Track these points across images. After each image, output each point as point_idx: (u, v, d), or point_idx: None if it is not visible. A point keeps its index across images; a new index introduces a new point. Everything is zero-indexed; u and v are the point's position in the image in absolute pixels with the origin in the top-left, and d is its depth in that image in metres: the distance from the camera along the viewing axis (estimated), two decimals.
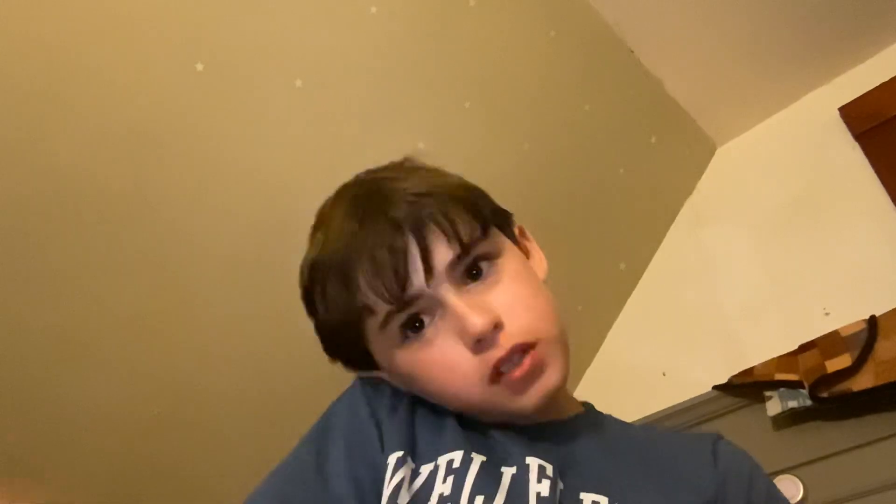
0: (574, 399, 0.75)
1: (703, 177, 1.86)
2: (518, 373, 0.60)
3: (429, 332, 0.62)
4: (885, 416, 1.31)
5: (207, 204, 1.19)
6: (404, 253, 0.60)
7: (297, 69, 1.20)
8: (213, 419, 1.27)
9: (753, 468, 0.71)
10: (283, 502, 0.58)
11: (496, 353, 0.60)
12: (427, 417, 0.65)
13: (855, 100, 1.60)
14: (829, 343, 1.36)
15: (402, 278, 0.60)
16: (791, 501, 1.36)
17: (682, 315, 1.71)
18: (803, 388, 1.34)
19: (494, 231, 0.67)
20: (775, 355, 1.43)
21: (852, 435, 1.33)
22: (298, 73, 1.21)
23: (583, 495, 0.60)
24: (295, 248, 1.10)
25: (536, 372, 0.61)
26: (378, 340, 0.65)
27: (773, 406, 1.39)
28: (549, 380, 0.62)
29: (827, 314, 1.47)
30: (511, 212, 0.73)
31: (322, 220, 0.70)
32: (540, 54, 1.48)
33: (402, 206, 0.63)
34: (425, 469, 0.59)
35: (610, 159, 1.66)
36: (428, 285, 0.61)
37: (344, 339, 0.67)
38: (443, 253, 0.61)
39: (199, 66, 1.11)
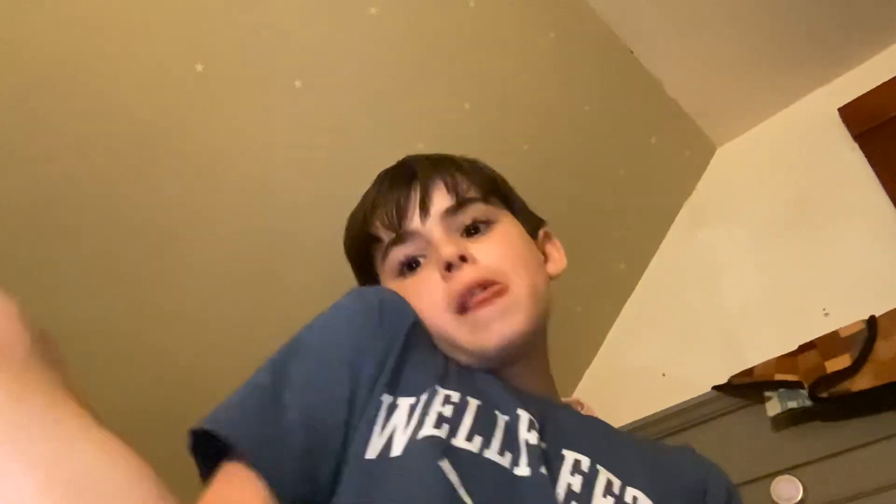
0: (559, 395, 0.79)
1: (703, 177, 1.86)
2: (483, 304, 0.66)
3: (421, 271, 0.71)
4: (884, 416, 1.31)
5: (207, 204, 1.19)
6: (408, 196, 0.73)
7: (297, 69, 1.21)
8: None
9: (730, 483, 0.74)
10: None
11: (463, 278, 0.66)
12: (422, 355, 0.67)
13: (854, 100, 1.60)
14: (828, 343, 1.37)
15: (402, 213, 0.72)
16: (791, 502, 1.37)
17: (682, 315, 1.71)
18: (803, 388, 1.35)
19: (496, 202, 0.76)
20: (775, 356, 1.44)
21: (852, 435, 1.34)
22: (298, 73, 1.21)
23: (565, 451, 0.63)
24: (295, 248, 1.10)
25: (499, 310, 0.67)
26: (383, 271, 0.74)
27: (773, 406, 1.40)
28: (512, 324, 0.67)
29: (826, 314, 1.47)
30: (541, 218, 0.84)
31: None
32: (540, 55, 1.48)
33: (421, 164, 0.76)
34: (422, 397, 0.60)
35: (610, 160, 1.66)
36: (422, 223, 0.71)
37: (362, 269, 0.77)
38: (440, 201, 0.72)
39: (199, 67, 1.11)
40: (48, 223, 1.08)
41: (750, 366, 1.46)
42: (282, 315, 1.31)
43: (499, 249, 0.70)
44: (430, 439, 0.56)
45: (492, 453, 0.58)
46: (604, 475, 0.62)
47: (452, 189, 0.73)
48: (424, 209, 0.71)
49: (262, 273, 1.27)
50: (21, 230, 1.06)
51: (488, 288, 0.67)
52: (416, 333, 0.67)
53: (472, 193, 0.74)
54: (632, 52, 1.63)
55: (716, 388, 1.50)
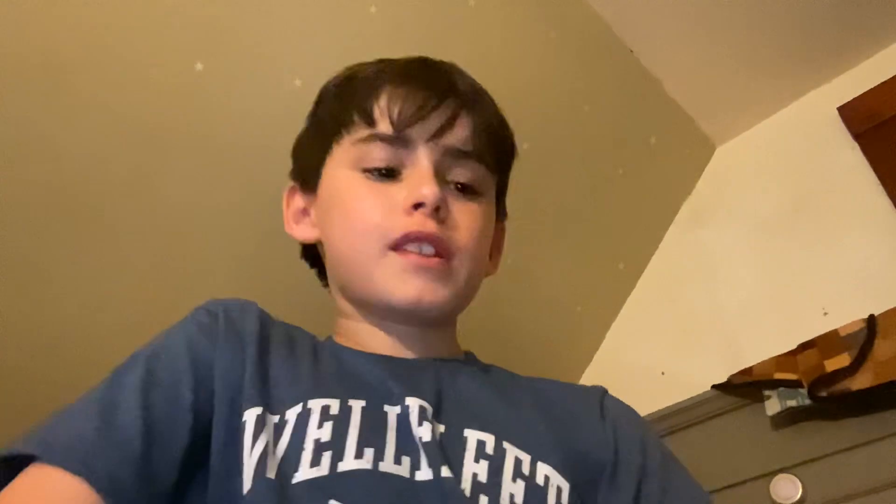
0: (458, 346, 0.73)
1: (703, 177, 1.86)
2: (422, 261, 0.60)
3: (386, 184, 0.63)
4: (883, 415, 1.31)
5: (207, 204, 1.19)
6: (438, 105, 0.62)
7: (297, 69, 1.21)
8: None
9: (645, 430, 0.67)
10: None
11: (425, 226, 0.60)
12: (284, 358, 0.60)
13: (854, 99, 1.60)
14: (827, 342, 1.37)
15: (419, 118, 0.62)
16: (790, 501, 1.37)
17: (681, 315, 1.71)
18: (802, 387, 1.35)
19: (496, 180, 0.69)
20: (774, 355, 1.44)
21: (851, 434, 1.34)
22: (298, 73, 1.21)
23: (467, 432, 0.57)
24: (294, 248, 1.10)
25: (431, 274, 0.61)
26: (343, 154, 0.65)
27: (772, 405, 1.40)
28: (434, 293, 0.61)
29: (826, 314, 1.47)
30: (506, 212, 0.76)
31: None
32: (540, 55, 1.48)
33: (466, 84, 0.66)
34: (291, 413, 0.54)
35: (609, 159, 1.66)
36: (429, 141, 0.62)
37: (317, 139, 0.68)
38: (460, 136, 0.63)
39: (199, 66, 1.11)
40: (48, 223, 1.08)
41: (749, 365, 1.46)
42: (281, 315, 1.31)
43: (472, 226, 0.64)
44: (310, 484, 0.49)
45: (387, 465, 0.52)
46: (511, 453, 0.57)
47: (477, 135, 0.65)
48: (440, 133, 0.63)
49: (263, 272, 1.27)
50: (21, 230, 1.06)
51: (436, 256, 0.61)
52: (270, 336, 0.60)
53: (488, 155, 0.66)
54: (632, 52, 1.63)
55: (715, 387, 1.50)
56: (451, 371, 0.65)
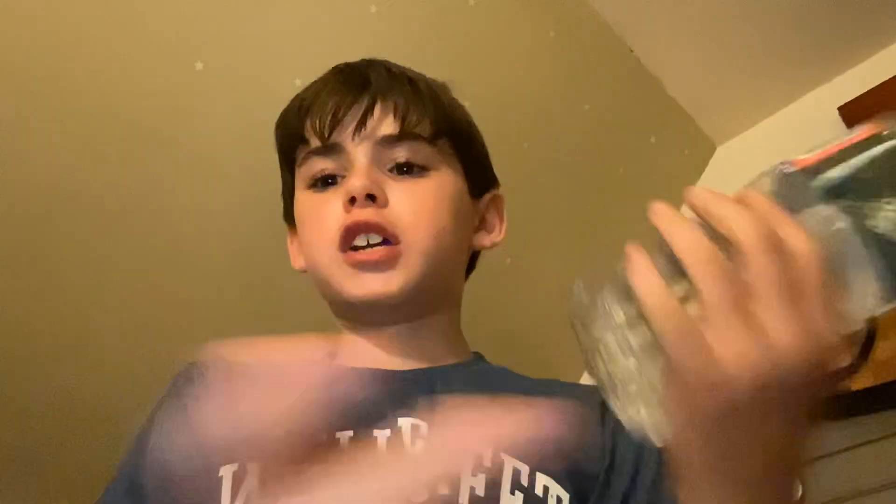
0: (464, 348, 0.71)
1: (703, 176, 1.86)
2: (363, 255, 0.60)
3: (330, 191, 0.64)
4: (883, 415, 1.31)
5: (207, 204, 1.19)
6: (351, 105, 0.64)
7: (296, 69, 1.20)
8: None
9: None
10: None
11: (358, 216, 0.60)
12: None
13: (855, 99, 1.60)
14: None
15: (335, 124, 0.64)
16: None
17: None
18: None
19: (446, 149, 0.67)
20: None
21: (851, 434, 1.34)
22: (298, 73, 1.20)
23: None
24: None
25: (381, 265, 0.60)
26: (298, 174, 0.68)
27: None
28: (387, 282, 0.61)
29: None
30: (497, 180, 0.74)
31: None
32: (540, 54, 1.48)
33: (380, 73, 0.68)
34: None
35: (609, 159, 1.66)
36: (353, 141, 0.63)
37: (285, 160, 0.71)
38: (382, 124, 0.64)
39: (199, 66, 1.11)
40: (48, 222, 1.08)
41: None
42: (280, 315, 1.31)
43: (416, 201, 0.63)
44: None
45: None
46: (510, 464, 0.55)
47: (400, 116, 0.64)
48: (361, 128, 0.63)
49: (263, 272, 1.27)
50: (20, 229, 1.06)
51: (384, 244, 0.60)
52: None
53: (421, 129, 0.65)
54: (632, 52, 1.63)
55: None
56: (446, 379, 0.64)
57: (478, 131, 0.75)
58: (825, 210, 0.39)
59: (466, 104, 1.40)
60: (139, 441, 0.61)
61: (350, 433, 0.55)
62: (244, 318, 1.28)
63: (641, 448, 0.62)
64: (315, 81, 0.71)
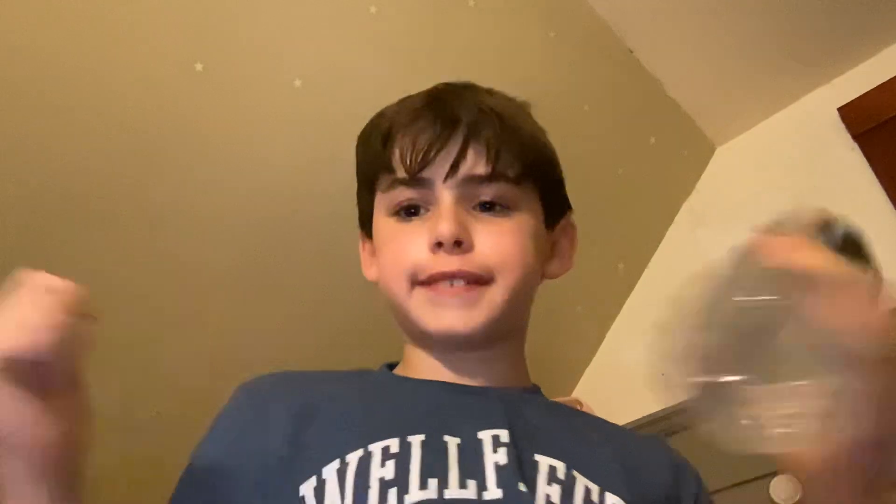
0: (527, 376, 0.74)
1: (702, 177, 1.86)
2: (446, 292, 0.62)
3: (415, 222, 0.66)
4: None
5: (207, 204, 1.19)
6: (445, 142, 0.65)
7: (296, 69, 1.21)
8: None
9: (699, 479, 0.70)
10: None
11: (447, 266, 0.62)
12: (343, 406, 0.63)
13: (854, 100, 1.60)
14: None
15: (427, 159, 0.64)
16: (790, 501, 1.37)
17: None
18: None
19: (530, 187, 0.69)
20: None
21: None
22: (298, 73, 1.21)
23: (538, 457, 0.58)
24: (294, 247, 1.10)
25: (463, 301, 0.63)
26: (380, 202, 0.69)
27: None
28: (468, 318, 0.63)
29: None
30: (570, 203, 0.79)
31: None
32: (539, 54, 1.48)
33: (471, 110, 0.67)
34: (352, 457, 0.56)
35: (609, 159, 1.66)
36: (442, 179, 0.64)
37: (363, 191, 0.72)
38: (473, 164, 0.65)
39: (199, 66, 1.11)
40: (47, 222, 1.08)
41: None
42: (280, 316, 1.31)
43: (503, 242, 0.65)
44: None
45: (452, 491, 0.54)
46: (581, 482, 0.58)
47: (492, 158, 0.65)
48: (454, 168, 0.64)
49: (262, 272, 1.27)
50: (20, 229, 1.06)
51: (468, 283, 0.62)
52: (314, 402, 0.63)
53: (510, 170, 0.66)
54: (632, 52, 1.63)
55: None
56: (516, 400, 0.66)
57: (557, 159, 0.78)
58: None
59: None
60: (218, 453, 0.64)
61: (422, 437, 0.57)
62: (246, 319, 1.28)
63: (699, 490, 0.67)
64: (403, 105, 0.71)
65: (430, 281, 0.63)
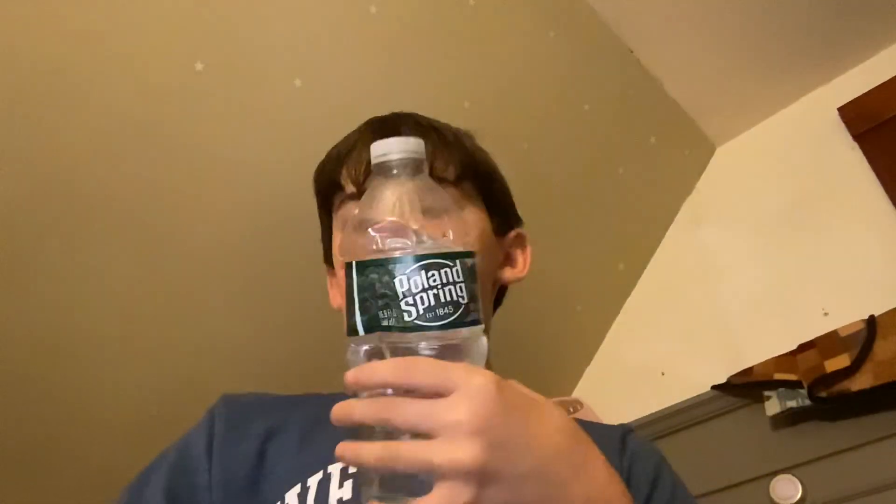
0: None
1: (703, 177, 1.86)
2: None
3: None
4: (883, 415, 1.31)
5: (206, 204, 1.19)
6: None
7: (296, 69, 1.20)
8: None
9: (661, 463, 0.70)
10: None
11: None
12: (305, 429, 0.66)
13: (854, 100, 1.60)
14: (827, 343, 1.37)
15: (370, 169, 0.67)
16: (790, 501, 1.37)
17: (681, 315, 1.71)
18: (802, 387, 1.35)
19: (471, 191, 0.73)
20: (774, 355, 1.44)
21: (851, 435, 1.34)
22: (298, 73, 1.21)
23: None
24: (294, 248, 1.10)
25: None
26: (336, 218, 0.74)
27: (772, 406, 1.40)
28: None
29: (826, 314, 1.47)
30: (520, 218, 0.80)
31: None
32: (540, 54, 1.48)
33: (409, 124, 0.75)
34: (312, 481, 0.59)
35: (609, 159, 1.66)
36: None
37: (323, 208, 0.77)
38: None
39: (199, 66, 1.11)
40: (47, 222, 1.08)
41: (749, 365, 1.46)
42: (279, 316, 1.31)
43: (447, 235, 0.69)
44: None
45: None
46: None
47: (427, 162, 0.68)
48: None
49: (262, 272, 1.27)
50: (20, 230, 1.06)
51: None
52: (280, 427, 0.65)
53: (447, 174, 0.71)
54: (632, 52, 1.63)
55: (715, 387, 1.50)
56: None
57: (500, 175, 0.80)
58: None
59: (466, 105, 1.41)
60: (184, 457, 0.66)
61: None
62: (247, 320, 1.28)
63: (657, 475, 0.67)
64: (350, 134, 0.78)
65: None
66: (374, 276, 0.47)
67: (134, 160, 1.11)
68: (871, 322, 1.34)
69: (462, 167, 0.72)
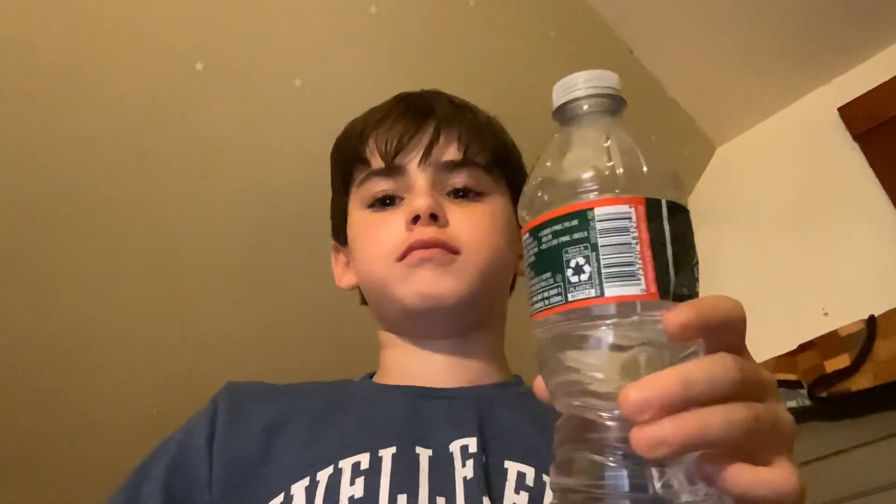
0: (506, 368, 0.74)
1: (703, 177, 1.86)
2: (420, 252, 0.63)
3: (390, 211, 0.67)
4: (883, 416, 1.31)
5: (206, 204, 1.19)
6: (417, 131, 0.68)
7: (297, 69, 1.20)
8: None
9: None
10: None
11: (424, 234, 0.63)
12: (314, 420, 0.63)
13: (854, 100, 1.61)
14: (827, 343, 1.37)
15: (402, 145, 0.67)
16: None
17: None
18: (802, 387, 1.35)
19: (500, 177, 0.72)
20: (774, 355, 1.44)
21: (851, 435, 1.34)
22: (298, 73, 1.21)
23: (508, 464, 0.57)
24: (294, 248, 1.10)
25: (435, 265, 0.63)
26: (355, 192, 0.71)
27: None
28: (442, 284, 0.63)
29: (826, 314, 1.47)
30: None
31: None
32: (540, 54, 1.48)
33: (443, 103, 0.71)
34: (322, 475, 0.56)
35: None
36: (419, 164, 0.67)
37: (340, 179, 0.74)
38: (446, 151, 0.68)
39: (199, 66, 1.11)
40: (47, 222, 1.08)
41: None
42: (278, 316, 1.31)
43: (474, 223, 0.66)
44: None
45: None
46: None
47: (463, 144, 0.68)
48: (427, 154, 0.67)
49: (261, 272, 1.27)
50: (20, 229, 1.06)
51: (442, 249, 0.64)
52: (286, 417, 0.62)
53: (481, 158, 0.69)
54: (632, 52, 1.63)
55: None
56: (490, 400, 0.65)
57: (524, 165, 0.79)
58: None
59: None
60: (187, 448, 0.63)
61: (393, 450, 0.57)
62: (248, 319, 1.28)
63: None
64: (375, 108, 0.74)
65: (407, 252, 0.64)
66: (684, 223, 0.32)
67: (134, 160, 1.11)
68: (871, 322, 1.34)
69: (494, 153, 0.71)
